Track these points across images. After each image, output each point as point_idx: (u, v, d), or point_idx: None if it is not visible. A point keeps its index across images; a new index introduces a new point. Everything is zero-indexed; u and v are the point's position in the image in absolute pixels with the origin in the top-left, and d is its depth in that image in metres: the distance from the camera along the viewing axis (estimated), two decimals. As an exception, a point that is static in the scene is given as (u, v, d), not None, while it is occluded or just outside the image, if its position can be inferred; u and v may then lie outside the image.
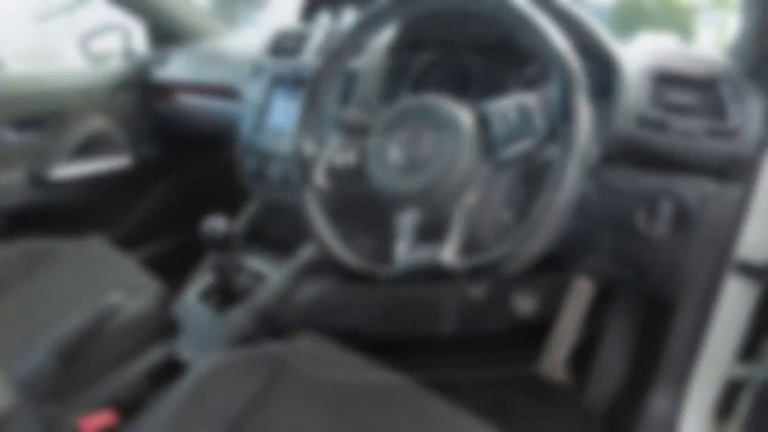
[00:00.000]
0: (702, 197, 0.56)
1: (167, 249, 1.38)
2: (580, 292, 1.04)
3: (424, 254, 0.47)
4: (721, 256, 0.66)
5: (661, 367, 0.83)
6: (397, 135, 0.49)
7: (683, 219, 0.57)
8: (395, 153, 0.49)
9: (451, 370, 1.08)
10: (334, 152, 0.56)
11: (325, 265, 0.82)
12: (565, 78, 0.42)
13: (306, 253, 0.82)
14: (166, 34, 1.33)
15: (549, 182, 0.41)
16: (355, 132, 0.58)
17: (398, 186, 0.48)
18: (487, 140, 0.46)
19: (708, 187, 0.56)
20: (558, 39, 0.43)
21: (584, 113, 0.41)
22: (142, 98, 1.30)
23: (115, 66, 1.33)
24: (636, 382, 0.92)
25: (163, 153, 1.34)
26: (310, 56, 0.85)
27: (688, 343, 0.79)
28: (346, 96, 0.76)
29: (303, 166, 0.57)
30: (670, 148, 0.56)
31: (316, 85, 0.58)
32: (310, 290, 0.84)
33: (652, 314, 0.92)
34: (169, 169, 1.36)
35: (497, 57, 0.74)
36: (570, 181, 0.40)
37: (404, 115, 0.51)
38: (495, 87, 0.72)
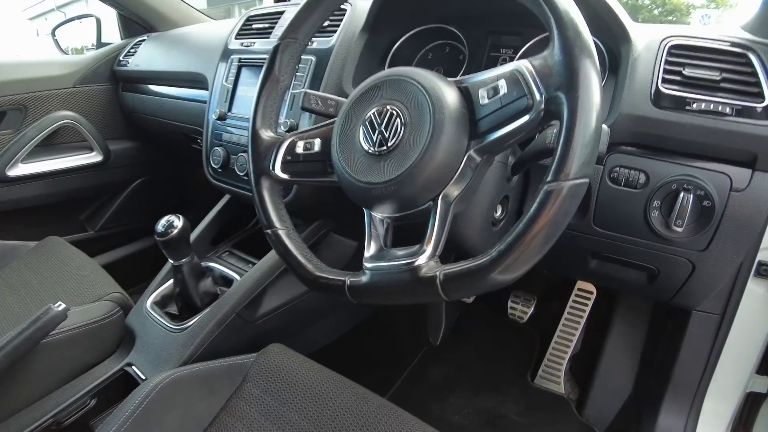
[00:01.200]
0: (728, 189, 0.48)
1: (140, 251, 1.30)
2: (582, 296, 0.96)
3: (396, 260, 0.39)
4: (747, 258, 0.58)
5: (672, 379, 0.75)
6: (366, 113, 0.41)
7: (706, 215, 0.49)
8: (364, 135, 0.41)
9: (440, 381, 1.00)
10: (295, 138, 0.48)
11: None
12: (569, 37, 0.33)
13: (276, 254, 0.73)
14: (139, 23, 1.25)
15: (550, 169, 0.33)
16: (324, 117, 0.50)
17: (366, 175, 0.40)
18: (473, 119, 0.38)
19: (736, 176, 0.48)
20: None
21: (594, 81, 0.33)
22: (112, 90, 1.21)
23: (83, 56, 1.25)
24: (642, 394, 0.84)
25: (135, 148, 1.26)
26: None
27: (703, 354, 0.71)
28: (316, 78, 0.68)
29: (258, 154, 0.49)
30: (691, 130, 0.48)
31: (273, 64, 0.50)
32: (282, 295, 0.76)
33: (661, 321, 0.84)
34: (141, 165, 1.28)
35: (488, 32, 0.65)
36: (576, 167, 0.32)
37: (376, 89, 0.41)
38: (489, 68, 0.64)
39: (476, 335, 1.08)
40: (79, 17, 1.34)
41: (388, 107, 0.40)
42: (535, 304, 0.98)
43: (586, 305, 0.95)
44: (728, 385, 0.73)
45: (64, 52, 1.37)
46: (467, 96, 0.39)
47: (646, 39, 0.53)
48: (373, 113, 0.41)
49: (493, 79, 0.37)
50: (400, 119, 0.39)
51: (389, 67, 0.69)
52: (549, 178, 0.33)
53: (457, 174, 0.38)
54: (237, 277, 0.75)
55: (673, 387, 0.75)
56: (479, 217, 0.50)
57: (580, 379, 0.95)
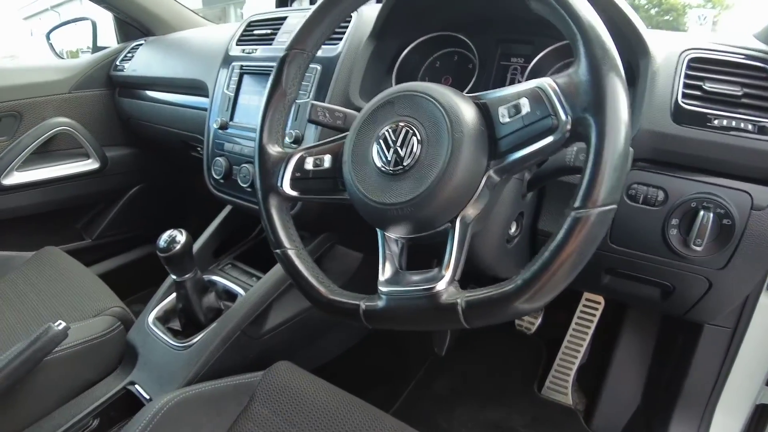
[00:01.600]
0: (749, 207, 0.47)
1: (138, 259, 1.28)
2: (590, 306, 0.95)
3: (413, 285, 0.37)
4: (764, 276, 0.57)
5: (682, 392, 0.74)
6: (380, 130, 0.40)
7: (726, 234, 0.48)
8: (378, 153, 0.39)
9: (446, 393, 0.98)
10: (304, 154, 0.46)
11: None
12: (596, 55, 0.32)
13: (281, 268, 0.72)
14: (136, 26, 1.22)
15: (577, 194, 0.31)
16: (331, 129, 0.48)
17: (381, 196, 0.38)
18: (493, 137, 0.37)
19: (757, 195, 0.47)
20: (585, 6, 0.33)
21: (623, 102, 0.31)
22: (108, 95, 1.19)
23: (78, 60, 1.22)
24: (651, 406, 0.83)
25: (133, 154, 1.23)
26: (283, 44, 0.74)
27: (715, 367, 0.70)
28: (322, 88, 0.66)
29: (266, 171, 0.47)
30: (712, 147, 0.47)
31: (280, 77, 0.48)
32: (288, 310, 0.74)
33: (670, 333, 0.83)
34: (139, 172, 1.25)
35: (498, 40, 0.64)
36: (605, 194, 0.31)
37: (389, 105, 0.40)
38: (500, 77, 0.62)
39: (481, 346, 1.07)
40: (75, 20, 1.31)
41: (403, 124, 0.39)
42: (543, 315, 0.96)
43: (594, 316, 0.94)
44: (738, 397, 0.72)
45: (59, 56, 1.34)
46: (486, 113, 0.37)
47: (664, 52, 0.51)
48: (387, 130, 0.39)
49: (513, 97, 0.36)
50: (416, 137, 0.38)
51: (397, 75, 0.68)
52: (577, 205, 0.31)
53: (476, 195, 0.37)
54: (241, 291, 0.73)
55: (684, 400, 0.74)
56: (495, 235, 0.48)
57: (588, 390, 0.94)
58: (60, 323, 0.64)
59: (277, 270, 0.72)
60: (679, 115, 0.48)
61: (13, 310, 0.80)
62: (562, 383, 0.94)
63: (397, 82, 0.67)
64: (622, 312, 0.89)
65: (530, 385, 0.97)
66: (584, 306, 0.95)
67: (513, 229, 0.52)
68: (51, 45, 1.32)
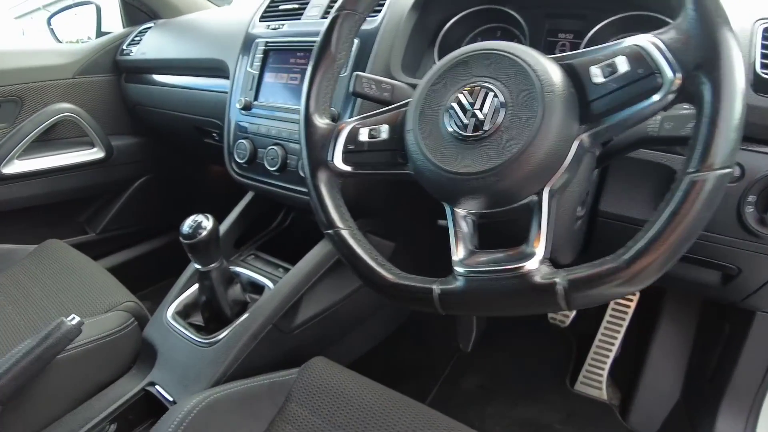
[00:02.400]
0: None
1: (144, 254, 1.22)
2: (624, 297, 0.92)
3: (498, 264, 0.34)
4: None
5: (729, 383, 0.71)
6: (453, 93, 0.36)
7: None
8: (452, 118, 0.35)
9: (476, 390, 0.95)
10: (357, 125, 0.42)
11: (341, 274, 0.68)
12: (708, 7, 0.29)
13: (314, 257, 0.67)
14: (143, 10, 1.17)
15: (692, 156, 0.29)
16: (377, 103, 0.45)
17: (457, 165, 0.34)
18: (584, 100, 0.33)
19: None
20: None
21: (738, 56, 0.29)
22: (115, 81, 1.13)
23: (83, 45, 1.17)
24: (693, 399, 0.80)
25: (139, 143, 1.17)
26: (313, 19, 0.70)
27: (765, 356, 0.67)
28: (360, 63, 0.61)
29: (314, 144, 0.43)
30: None
31: (329, 39, 0.44)
32: (320, 302, 0.69)
33: (714, 321, 0.80)
34: (146, 162, 1.19)
35: (546, 14, 0.60)
36: (723, 155, 0.28)
37: (463, 66, 0.36)
38: (552, 50, 0.59)
39: (507, 341, 1.03)
40: (78, 4, 1.25)
41: (480, 86, 0.35)
42: None
43: (629, 307, 0.91)
44: (788, 386, 0.70)
45: (60, 42, 1.28)
46: (573, 74, 0.34)
47: (737, 22, 0.48)
48: (462, 92, 0.36)
49: (608, 56, 0.33)
50: (498, 99, 0.34)
51: (439, 50, 0.64)
52: (691, 168, 0.29)
53: (566, 163, 0.33)
54: (269, 283, 0.68)
55: (732, 392, 0.71)
56: (567, 213, 0.45)
57: (623, 384, 0.91)
58: (73, 317, 0.59)
59: (309, 260, 0.67)
60: (759, 84, 0.45)
61: (15, 306, 0.74)
62: (596, 378, 0.91)
63: (440, 57, 0.63)
64: (658, 301, 0.86)
65: (562, 381, 0.93)
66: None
67: (579, 209, 0.48)
68: (52, 30, 1.26)
